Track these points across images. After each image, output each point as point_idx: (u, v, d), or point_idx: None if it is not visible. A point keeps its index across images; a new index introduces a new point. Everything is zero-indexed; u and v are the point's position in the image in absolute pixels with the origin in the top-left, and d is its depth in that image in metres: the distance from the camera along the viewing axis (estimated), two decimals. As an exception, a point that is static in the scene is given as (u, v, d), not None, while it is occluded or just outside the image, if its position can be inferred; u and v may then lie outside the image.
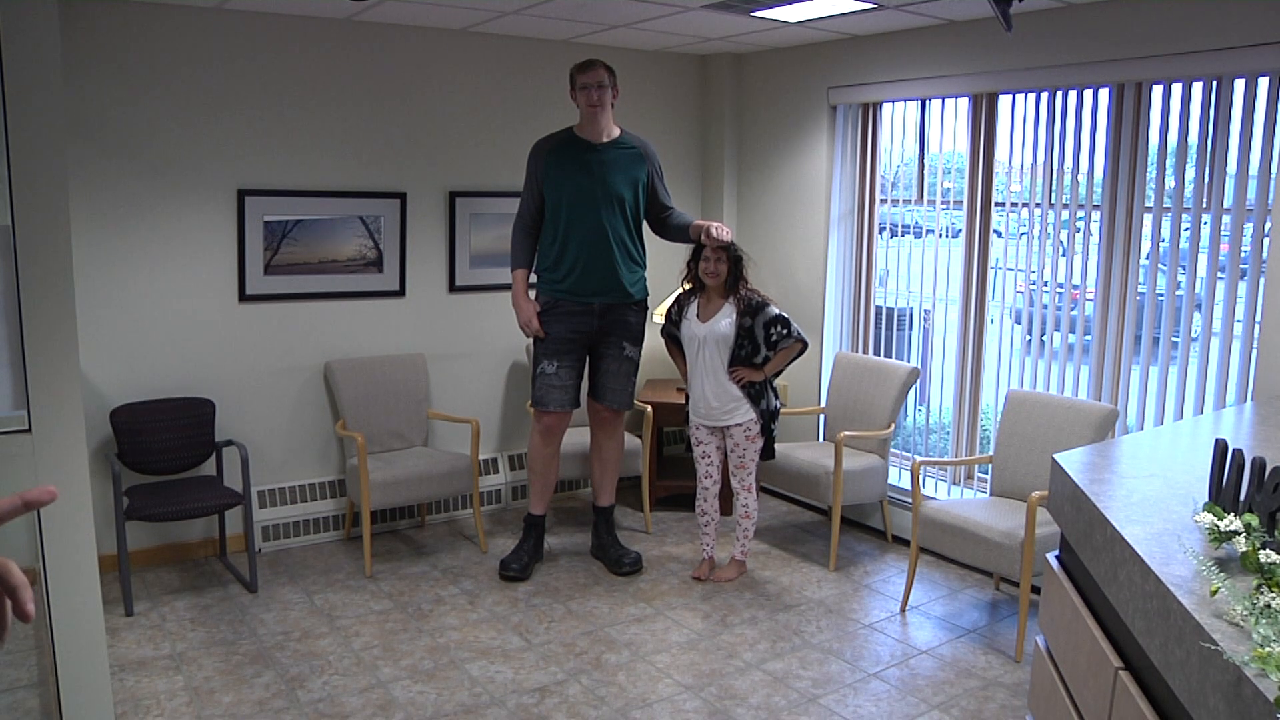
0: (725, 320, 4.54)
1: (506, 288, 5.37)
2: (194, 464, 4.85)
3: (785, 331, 4.52)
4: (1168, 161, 4.32)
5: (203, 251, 4.93)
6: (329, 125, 5.15)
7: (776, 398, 4.71)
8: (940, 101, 5.25)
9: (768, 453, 4.71)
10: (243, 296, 5.03)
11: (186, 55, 4.78)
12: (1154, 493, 2.33)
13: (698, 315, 4.61)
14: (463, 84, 5.50)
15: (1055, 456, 2.62)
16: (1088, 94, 4.57)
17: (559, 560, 5.07)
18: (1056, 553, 2.63)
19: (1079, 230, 4.65)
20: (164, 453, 4.76)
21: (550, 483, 4.94)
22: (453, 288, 5.61)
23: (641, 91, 6.02)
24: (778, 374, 4.68)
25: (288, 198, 5.05)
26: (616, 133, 4.70)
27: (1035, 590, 4.21)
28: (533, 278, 4.85)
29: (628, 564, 4.89)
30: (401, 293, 5.46)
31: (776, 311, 4.54)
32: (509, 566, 4.81)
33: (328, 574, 4.87)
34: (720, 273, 4.53)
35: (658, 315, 5.58)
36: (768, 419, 4.64)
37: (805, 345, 4.59)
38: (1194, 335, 4.31)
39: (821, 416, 5.78)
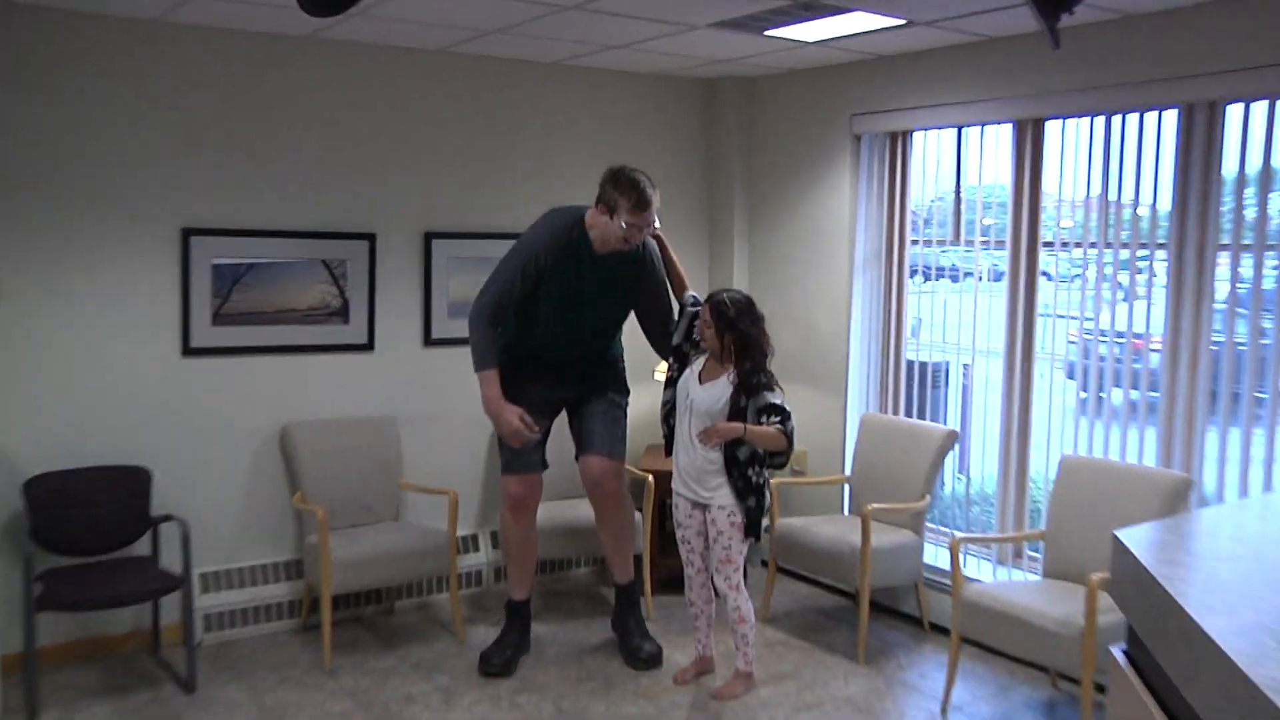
0: (720, 393, 4.20)
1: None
2: (124, 543, 4.60)
3: (779, 422, 4.15)
4: (1246, 190, 4.19)
5: (141, 298, 4.75)
6: (289, 156, 5.01)
7: (763, 476, 4.32)
8: (979, 129, 5.13)
9: (751, 531, 4.33)
10: (187, 350, 4.85)
11: (126, 75, 4.63)
12: (1240, 577, 2.15)
13: (700, 374, 4.31)
14: (440, 111, 5.37)
15: (1117, 533, 2.44)
16: (1150, 117, 4.42)
17: (548, 652, 4.83)
18: (1123, 645, 2.41)
19: (1141, 271, 4.55)
20: (89, 530, 4.50)
21: (529, 563, 4.73)
22: (428, 341, 5.45)
23: (639, 120, 5.91)
24: (767, 464, 4.29)
25: (240, 238, 4.91)
26: None
27: (1100, 689, 3.83)
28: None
29: (643, 657, 4.65)
30: (370, 346, 5.30)
31: (776, 400, 4.17)
32: (490, 661, 4.57)
33: (280, 669, 4.63)
34: (708, 336, 4.23)
35: (659, 372, 5.37)
36: (753, 511, 4.29)
37: (790, 450, 4.22)
38: (1282, 390, 4.18)
39: (846, 486, 5.58)
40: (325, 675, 4.54)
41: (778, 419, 4.13)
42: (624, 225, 4.24)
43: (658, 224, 4.37)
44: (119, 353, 4.69)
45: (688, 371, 4.35)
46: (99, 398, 4.66)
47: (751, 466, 4.21)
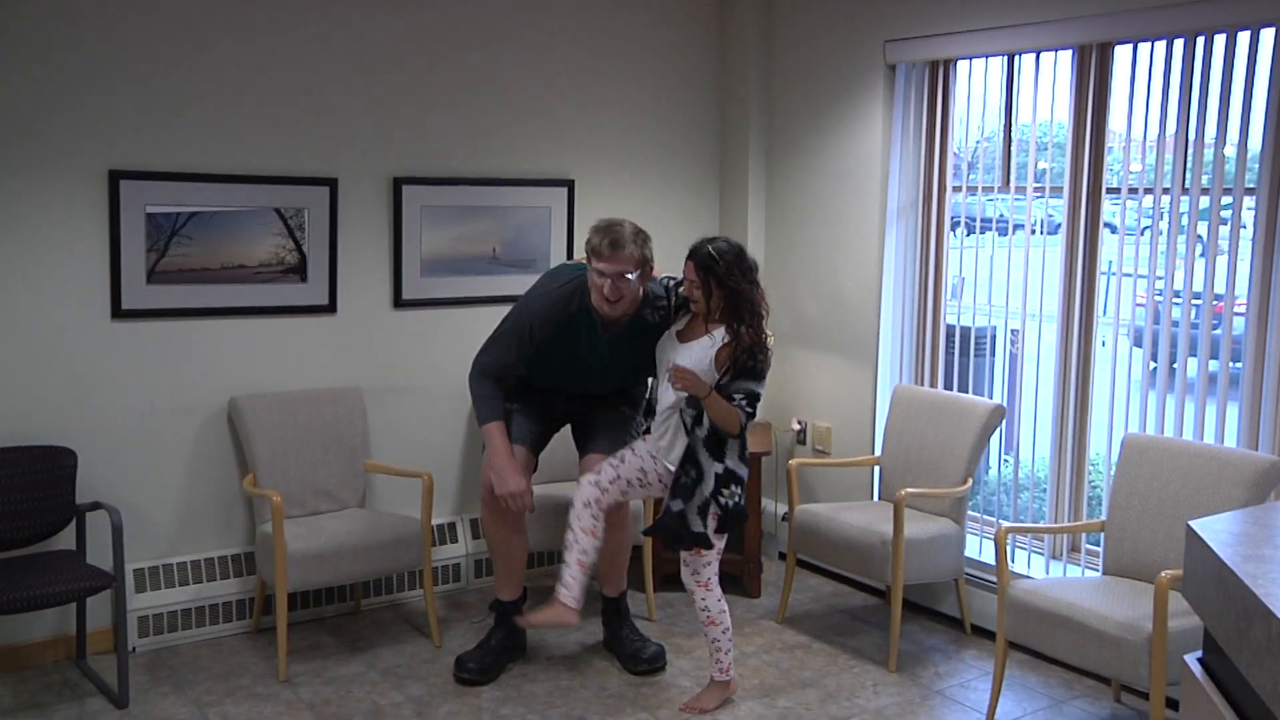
0: (702, 354, 3.99)
1: (466, 302, 5.13)
2: (44, 535, 4.41)
3: (746, 406, 3.97)
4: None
5: (62, 252, 4.54)
6: (236, 87, 4.78)
7: (739, 485, 4.03)
8: (1034, 56, 4.88)
9: (735, 521, 4.10)
10: (117, 312, 4.64)
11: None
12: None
13: (679, 332, 4.14)
14: (413, 36, 5.13)
15: (1192, 524, 2.47)
16: (1241, 38, 4.11)
17: (536, 657, 4.72)
18: (1198, 654, 2.45)
19: (1225, 222, 4.37)
20: (3, 521, 4.31)
21: (517, 560, 4.60)
22: (398, 302, 5.26)
23: (641, 49, 5.71)
24: (723, 448, 4.04)
25: (179, 182, 4.70)
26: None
27: (1171, 705, 3.76)
28: None
29: (645, 659, 4.60)
30: (331, 308, 5.11)
31: (758, 390, 4.03)
32: (465, 665, 4.47)
33: (228, 678, 4.48)
34: (696, 297, 3.99)
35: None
36: (670, 518, 4.06)
37: (742, 435, 4.07)
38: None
39: (876, 469, 5.41)
40: (280, 685, 4.41)
41: (746, 404, 3.98)
42: (596, 273, 4.07)
43: (632, 277, 4.02)
44: (37, 316, 4.48)
45: (668, 332, 4.21)
46: (15, 368, 4.47)
47: (711, 464, 3.94)
